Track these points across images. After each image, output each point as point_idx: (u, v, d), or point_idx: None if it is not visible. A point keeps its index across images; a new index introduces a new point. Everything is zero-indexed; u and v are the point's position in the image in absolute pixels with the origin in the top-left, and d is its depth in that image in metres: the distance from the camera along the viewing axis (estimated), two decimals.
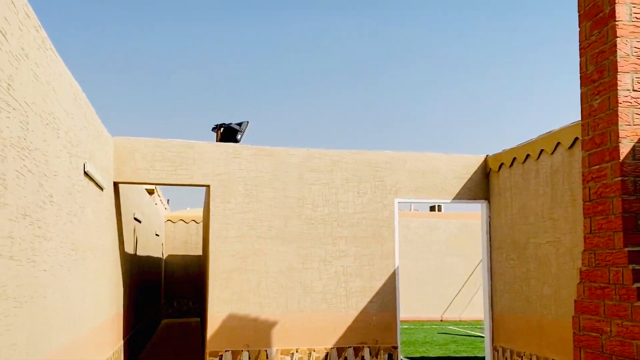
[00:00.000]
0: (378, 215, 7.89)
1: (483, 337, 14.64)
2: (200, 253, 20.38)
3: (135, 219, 10.19)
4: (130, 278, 9.35)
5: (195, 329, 16.58)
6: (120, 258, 8.18)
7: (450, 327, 18.06)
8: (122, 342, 8.29)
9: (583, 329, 4.48)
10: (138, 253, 10.80)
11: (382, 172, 7.96)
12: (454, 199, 8.10)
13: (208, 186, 7.53)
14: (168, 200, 31.92)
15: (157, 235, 16.11)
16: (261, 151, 7.68)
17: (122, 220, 8.45)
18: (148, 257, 13.14)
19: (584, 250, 4.50)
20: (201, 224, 20.63)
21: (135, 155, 7.30)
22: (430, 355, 11.52)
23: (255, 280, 7.48)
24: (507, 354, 7.49)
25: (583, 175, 4.56)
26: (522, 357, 7.12)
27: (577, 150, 6.14)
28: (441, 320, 21.01)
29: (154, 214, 15.24)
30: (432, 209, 29.18)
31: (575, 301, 4.59)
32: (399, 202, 7.97)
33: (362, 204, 7.86)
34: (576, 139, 6.13)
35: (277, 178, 7.67)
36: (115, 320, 7.75)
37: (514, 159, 7.43)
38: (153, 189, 18.66)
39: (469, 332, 16.28)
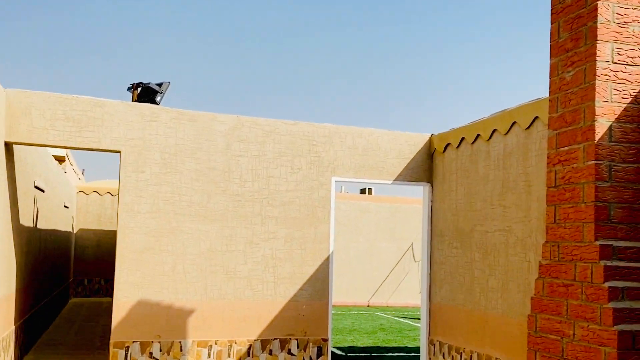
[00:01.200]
0: (313, 195, 7.27)
1: (412, 325, 14.44)
2: (115, 228, 19.18)
3: (37, 187, 9.11)
4: (27, 254, 8.33)
5: (107, 309, 15.53)
6: (14, 231, 7.17)
7: (378, 313, 17.86)
8: (13, 327, 7.32)
9: (540, 330, 4.04)
10: (39, 226, 9.73)
11: (319, 147, 7.33)
12: (395, 180, 7.59)
13: (119, 152, 6.65)
14: (83, 170, 30.12)
15: (66, 207, 14.88)
16: (183, 115, 6.86)
17: (18, 187, 7.42)
18: (53, 231, 12.00)
19: (546, 242, 4.06)
20: (117, 196, 19.40)
21: (32, 111, 6.32)
22: (359, 344, 11.12)
23: (171, 263, 6.71)
24: (445, 349, 7.10)
25: (549, 157, 4.09)
26: (461, 353, 6.74)
27: (536, 131, 5.72)
28: (368, 306, 20.85)
29: (63, 183, 14.02)
30: (362, 191, 28.97)
31: (533, 298, 4.15)
32: (336, 181, 7.37)
33: (296, 182, 7.21)
34: (535, 118, 5.71)
35: (200, 147, 6.88)
36: (4, 303, 6.78)
37: (462, 139, 6.98)
38: (64, 156, 17.29)
39: (397, 319, 16.09)
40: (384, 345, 11.05)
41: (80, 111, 6.49)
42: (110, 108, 6.61)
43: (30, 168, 8.42)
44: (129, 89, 8.30)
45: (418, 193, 7.97)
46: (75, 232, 19.29)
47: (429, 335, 7.54)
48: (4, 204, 6.50)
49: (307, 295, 7.20)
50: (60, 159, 16.94)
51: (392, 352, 10.31)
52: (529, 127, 5.82)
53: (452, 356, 6.93)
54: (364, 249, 21.75)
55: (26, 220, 8.19)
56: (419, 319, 17.03)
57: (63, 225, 14.55)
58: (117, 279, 6.54)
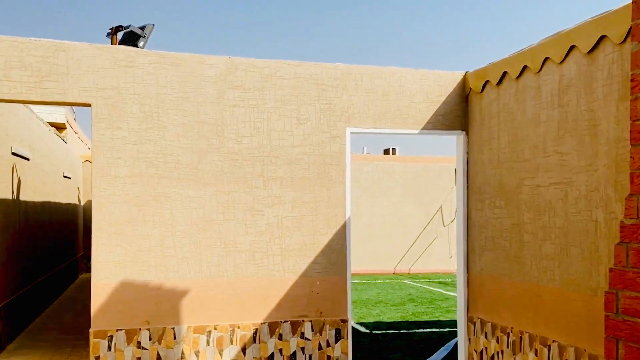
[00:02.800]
0: (324, 150, 6.18)
1: (444, 294, 13.44)
2: None
3: (16, 154, 8.17)
4: (3, 230, 7.43)
5: None
6: None
7: (405, 280, 16.88)
8: None
9: (624, 312, 2.96)
10: (23, 198, 8.83)
11: (330, 92, 6.20)
12: (422, 129, 6.45)
13: (89, 105, 5.62)
14: None
15: (66, 177, 14.03)
16: (164, 59, 5.78)
17: None
18: (47, 203, 11.13)
19: (631, 195, 2.94)
20: None
21: None
22: (386, 319, 10.15)
23: (158, 236, 5.72)
24: (487, 328, 6.06)
25: (634, 80, 2.93)
26: (508, 333, 5.69)
27: (602, 54, 4.53)
28: (394, 273, 19.90)
29: (59, 151, 13.13)
30: (386, 152, 27.74)
31: (612, 270, 3.06)
32: (351, 133, 6.26)
33: (304, 135, 6.12)
34: (602, 38, 4.50)
35: (187, 97, 5.81)
36: None
37: (504, 74, 5.79)
38: (64, 123, 16.40)
39: (427, 287, 15.08)
40: (413, 320, 10.06)
41: (40, 57, 5.45)
42: (77, 52, 5.55)
43: (3, 132, 7.46)
44: (108, 34, 7.24)
45: (449, 146, 6.78)
46: (83, 203, 18.54)
47: (468, 311, 6.49)
48: None
49: (321, 269, 6.17)
50: (59, 126, 16.06)
51: (423, 327, 9.33)
52: (592, 51, 4.62)
53: (497, 337, 5.89)
54: (389, 213, 20.70)
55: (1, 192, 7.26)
56: (451, 285, 16.09)
57: (64, 197, 13.72)
58: (95, 258, 5.57)
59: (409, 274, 19.74)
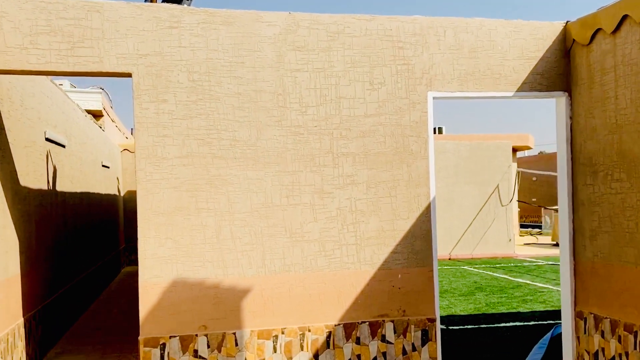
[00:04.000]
0: (403, 119, 5.30)
1: (513, 281, 12.45)
2: None
3: (50, 140, 7.53)
4: (38, 225, 6.79)
5: None
6: (6, 196, 5.59)
7: (465, 267, 15.92)
8: (19, 320, 5.82)
9: None
10: (61, 188, 8.20)
11: (408, 51, 5.31)
12: (517, 90, 5.51)
13: (129, 76, 4.86)
14: (132, 129, 29.02)
15: (105, 166, 13.47)
16: (214, 17, 4.97)
17: (11, 138, 5.81)
18: (86, 194, 10.55)
19: None
20: None
21: (2, 24, 4.58)
22: (458, 311, 9.26)
23: (213, 226, 4.95)
24: (605, 326, 5.13)
25: None
26: (635, 333, 4.75)
27: None
28: (449, 259, 18.93)
29: (97, 139, 12.55)
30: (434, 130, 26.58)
31: None
32: (434, 98, 5.37)
33: (378, 102, 5.26)
34: None
35: (242, 62, 5.00)
36: (4, 289, 5.27)
37: (625, 18, 4.80)
38: (100, 110, 15.87)
39: (492, 273, 14.11)
40: (489, 312, 9.15)
41: (71, 20, 4.70)
42: (113, 13, 4.78)
43: (35, 114, 6.79)
44: None
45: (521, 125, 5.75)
46: (123, 194, 18.07)
47: (576, 305, 5.57)
48: None
49: (403, 260, 5.32)
50: (95, 114, 15.52)
51: (504, 321, 8.41)
52: None
53: (620, 336, 4.96)
54: (443, 194, 19.70)
55: (32, 181, 6.60)
56: (515, 271, 15.08)
57: (103, 188, 13.17)
58: (142, 253, 4.84)
59: (471, 259, 18.75)
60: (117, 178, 16.83)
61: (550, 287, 11.64)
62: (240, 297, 5.03)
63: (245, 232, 5.03)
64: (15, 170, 5.87)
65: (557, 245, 21.69)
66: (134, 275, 15.21)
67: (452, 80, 5.39)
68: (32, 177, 6.53)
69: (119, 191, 17.00)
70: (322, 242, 5.17)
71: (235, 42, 4.99)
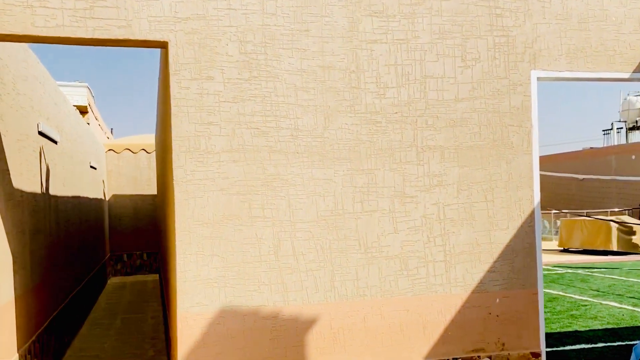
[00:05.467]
0: (501, 105, 4.37)
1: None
2: (155, 192, 16.71)
3: (43, 133, 6.46)
4: (33, 236, 5.72)
5: (153, 291, 13.17)
6: (0, 202, 4.53)
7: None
8: (15, 356, 4.75)
9: None
10: (53, 192, 7.12)
11: (507, 19, 4.38)
12: (634, 71, 4.60)
13: (164, 46, 3.85)
14: (112, 129, 27.77)
15: (92, 167, 12.35)
16: None
17: (5, 129, 4.75)
18: (77, 198, 9.45)
19: None
20: (153, 154, 16.87)
21: None
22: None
23: (271, 239, 3.96)
24: None
25: None
26: None
27: None
28: None
29: (86, 135, 11.44)
30: None
31: None
32: (538, 79, 4.44)
33: (472, 83, 4.31)
34: None
35: (307, 29, 4.02)
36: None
37: None
38: (85, 106, 14.73)
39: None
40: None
41: None
42: None
43: (28, 102, 5.73)
44: None
45: None
46: (107, 198, 16.92)
47: None
48: None
49: (502, 281, 4.38)
50: (81, 110, 14.39)
51: (568, 343, 7.50)
52: None
53: None
54: None
55: (26, 183, 5.54)
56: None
57: (91, 191, 12.05)
58: (181, 275, 3.82)
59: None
60: (103, 181, 15.68)
61: (590, 299, 10.81)
62: (304, 329, 4.04)
63: (310, 246, 4.04)
64: (8, 169, 4.81)
65: (565, 251, 20.93)
66: (122, 288, 14.10)
67: (560, 57, 4.46)
68: (25, 177, 5.46)
69: (104, 195, 15.85)
70: (403, 259, 4.20)
71: (298, 4, 4.00)
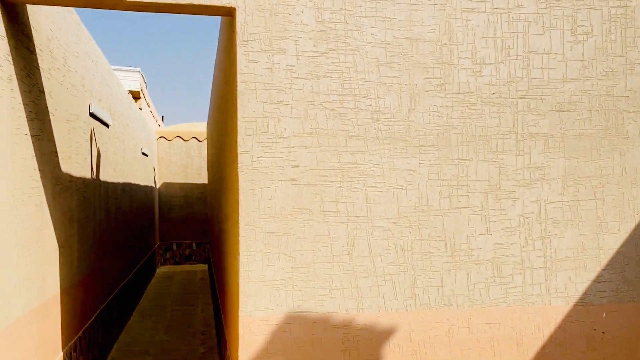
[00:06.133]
0: (616, 87, 3.77)
1: None
2: (205, 181, 16.50)
3: (94, 115, 6.15)
4: (82, 224, 5.41)
5: (202, 282, 12.92)
6: (45, 187, 4.19)
7: None
8: (60, 354, 4.43)
9: None
10: (104, 178, 6.83)
11: None
12: None
13: (231, 12, 3.41)
14: (162, 117, 27.81)
15: (144, 154, 12.14)
16: None
17: (54, 107, 4.41)
18: (129, 185, 9.19)
19: None
20: (204, 142, 16.64)
21: None
22: None
23: (344, 237, 3.48)
24: None
25: None
26: None
27: None
28: None
29: (138, 121, 11.20)
30: None
31: None
32: None
33: (582, 61, 3.73)
34: None
35: None
36: (30, 325, 3.88)
37: None
38: (138, 92, 14.57)
39: None
40: None
41: None
42: None
43: (79, 81, 5.41)
44: None
45: None
46: (158, 186, 16.80)
47: None
48: (8, 132, 3.47)
49: (610, 292, 3.80)
50: (134, 95, 14.23)
51: None
52: None
53: None
54: None
55: (75, 168, 5.21)
56: None
57: (143, 178, 11.85)
58: (244, 275, 3.38)
59: None
60: (154, 168, 15.53)
61: None
62: (380, 340, 3.55)
63: (388, 246, 3.54)
64: (57, 152, 4.47)
65: None
66: (171, 278, 13.90)
67: None
68: (74, 161, 5.13)
69: (155, 182, 15.71)
70: (496, 264, 3.67)
71: None
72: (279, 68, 3.39)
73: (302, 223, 3.43)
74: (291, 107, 3.41)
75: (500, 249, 3.67)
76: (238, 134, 3.36)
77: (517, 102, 3.66)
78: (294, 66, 3.41)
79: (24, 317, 3.64)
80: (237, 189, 3.41)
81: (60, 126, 4.60)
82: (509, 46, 3.64)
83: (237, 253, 3.45)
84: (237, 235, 3.43)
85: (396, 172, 3.55)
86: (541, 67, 3.68)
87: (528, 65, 3.66)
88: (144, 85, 16.92)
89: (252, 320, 3.38)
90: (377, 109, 3.51)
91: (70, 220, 4.91)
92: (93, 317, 5.90)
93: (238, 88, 3.36)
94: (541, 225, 3.72)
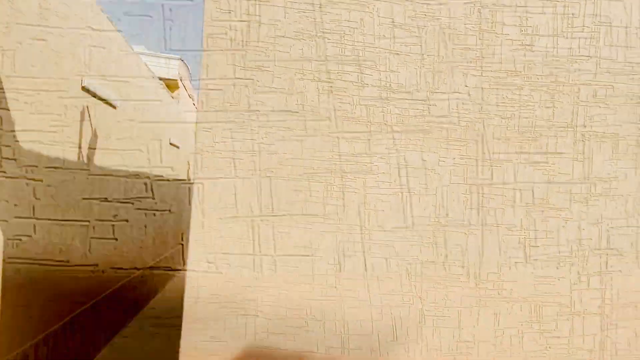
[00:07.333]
0: None
1: None
2: None
3: (88, 90, 5.50)
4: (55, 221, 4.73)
5: None
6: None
7: None
8: None
9: None
10: (102, 163, 6.18)
11: None
12: None
13: None
14: None
15: (173, 145, 11.56)
16: None
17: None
18: (143, 174, 8.57)
19: None
20: None
21: None
22: None
23: (331, 250, 2.67)
24: None
25: None
26: None
27: None
28: None
29: (165, 106, 10.60)
30: None
31: None
32: None
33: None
34: None
35: None
36: None
37: None
38: (177, 81, 14.06)
39: None
40: None
41: None
42: None
43: (68, 51, 4.75)
44: None
45: None
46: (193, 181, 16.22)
47: None
48: None
49: None
50: (170, 84, 13.73)
51: None
52: None
53: None
54: None
55: (47, 148, 4.54)
56: None
57: (168, 171, 11.25)
58: (188, 292, 2.60)
59: None
60: (188, 162, 14.98)
61: None
62: None
63: (390, 268, 2.70)
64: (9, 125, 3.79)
65: None
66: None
67: None
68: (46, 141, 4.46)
69: (188, 177, 15.15)
70: (535, 305, 2.77)
71: None
72: (259, 22, 2.60)
73: (275, 228, 2.63)
74: (273, 74, 2.62)
75: (542, 285, 2.78)
76: (197, 104, 2.59)
77: (579, 89, 2.76)
78: (279, 21, 2.62)
79: None
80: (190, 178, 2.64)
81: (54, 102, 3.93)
82: (572, 13, 2.75)
83: (182, 263, 2.68)
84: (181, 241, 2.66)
85: (407, 170, 2.70)
86: (616, 45, 2.77)
87: (598, 40, 2.77)
88: (185, 75, 16.45)
89: (196, 355, 2.60)
90: (388, 85, 2.68)
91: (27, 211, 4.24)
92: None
93: (203, 45, 2.59)
94: (601, 257, 2.80)
